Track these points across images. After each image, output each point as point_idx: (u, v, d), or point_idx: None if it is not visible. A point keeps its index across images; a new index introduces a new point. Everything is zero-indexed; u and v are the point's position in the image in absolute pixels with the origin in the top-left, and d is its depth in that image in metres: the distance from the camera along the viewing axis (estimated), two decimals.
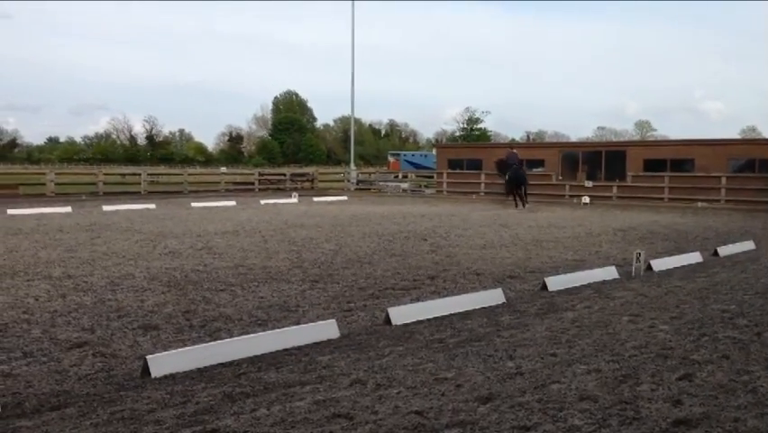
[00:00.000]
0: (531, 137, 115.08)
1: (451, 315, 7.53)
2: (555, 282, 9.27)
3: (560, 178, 32.00)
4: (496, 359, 5.74)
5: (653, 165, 29.77)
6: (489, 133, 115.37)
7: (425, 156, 67.79)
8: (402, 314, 7.27)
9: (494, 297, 8.31)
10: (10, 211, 20.41)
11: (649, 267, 10.82)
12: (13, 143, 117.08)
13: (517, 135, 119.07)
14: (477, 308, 7.88)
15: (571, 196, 30.17)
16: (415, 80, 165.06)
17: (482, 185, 33.30)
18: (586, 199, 28.54)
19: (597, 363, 5.66)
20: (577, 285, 9.39)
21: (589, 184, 30.34)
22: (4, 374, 5.34)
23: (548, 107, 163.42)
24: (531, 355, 5.86)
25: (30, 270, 10.16)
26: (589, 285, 9.46)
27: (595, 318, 7.36)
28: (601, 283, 9.63)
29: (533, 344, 6.25)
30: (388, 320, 7.13)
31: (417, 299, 8.32)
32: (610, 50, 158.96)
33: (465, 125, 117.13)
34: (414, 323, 7.15)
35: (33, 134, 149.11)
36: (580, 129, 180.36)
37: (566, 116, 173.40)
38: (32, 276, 9.63)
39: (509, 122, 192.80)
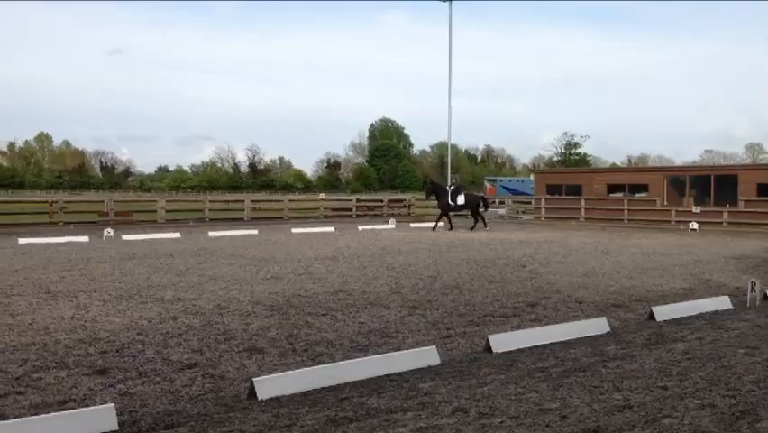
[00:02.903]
0: (633, 161, 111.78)
1: (553, 343, 7.37)
2: (663, 312, 8.91)
3: (665, 203, 30.84)
4: (602, 390, 5.57)
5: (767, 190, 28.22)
6: (589, 158, 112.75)
7: (522, 182, 66.95)
8: (503, 342, 7.17)
9: (598, 326, 8.07)
10: (125, 237, 21.55)
11: (765, 297, 10.23)
12: (127, 172, 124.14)
13: (618, 159, 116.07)
14: (580, 337, 7.67)
15: (677, 222, 28.98)
16: (511, 105, 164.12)
17: (582, 211, 32.52)
18: (694, 225, 27.33)
19: (711, 397, 5.39)
20: (687, 315, 8.99)
21: (696, 210, 29.06)
22: (121, 393, 5.62)
23: (650, 130, 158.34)
24: (639, 388, 5.64)
25: (143, 293, 10.67)
26: (700, 315, 9.04)
27: (708, 350, 7.02)
28: (713, 313, 9.18)
29: (641, 375, 6.02)
30: (488, 348, 7.05)
31: (518, 327, 8.19)
32: (714, 69, 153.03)
33: (563, 150, 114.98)
34: (515, 351, 7.04)
35: (145, 164, 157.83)
36: (685, 152, 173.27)
37: (670, 139, 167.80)
38: (146, 299, 10.12)
39: (610, 146, 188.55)
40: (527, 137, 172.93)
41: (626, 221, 30.52)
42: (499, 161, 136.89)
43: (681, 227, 27.83)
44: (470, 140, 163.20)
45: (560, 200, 34.51)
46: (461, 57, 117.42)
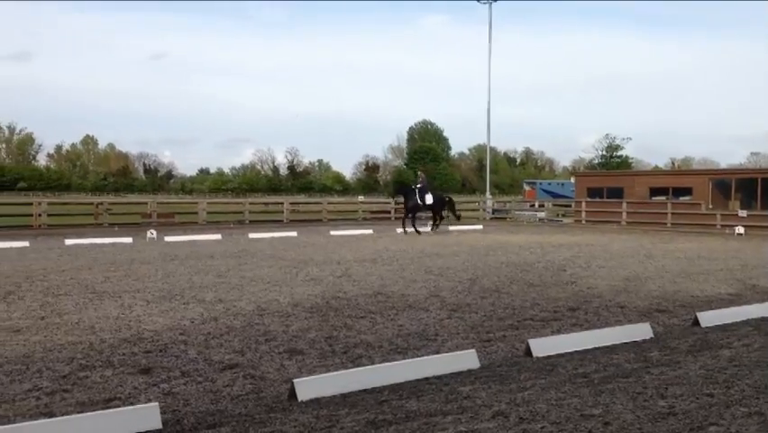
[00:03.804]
0: (676, 164, 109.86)
1: (594, 349, 7.27)
2: (708, 318, 8.73)
3: (710, 207, 30.22)
4: (646, 397, 5.47)
5: None
6: (631, 161, 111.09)
7: (562, 185, 66.23)
8: (543, 346, 7.10)
9: (641, 331, 7.94)
10: (167, 238, 21.90)
11: None
12: (169, 175, 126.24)
13: (661, 162, 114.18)
14: (622, 342, 7.56)
15: (722, 226, 28.35)
16: (550, 107, 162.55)
17: (624, 214, 32.04)
18: (740, 230, 26.71)
19: (759, 405, 5.25)
20: (733, 321, 8.78)
21: (743, 213, 28.40)
22: (165, 392, 5.71)
23: (694, 133, 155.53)
24: (684, 395, 5.53)
25: (185, 293, 10.83)
26: (746, 321, 8.82)
27: (755, 357, 6.85)
28: (760, 320, 8.96)
29: (686, 382, 5.91)
30: (528, 352, 6.99)
31: (558, 332, 8.11)
32: (759, 70, 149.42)
33: (604, 153, 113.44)
34: (555, 356, 6.96)
35: (186, 166, 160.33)
36: (730, 155, 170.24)
37: (714, 142, 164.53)
38: (188, 300, 10.26)
39: (652, 148, 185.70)
40: (567, 140, 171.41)
41: (669, 225, 29.99)
42: (539, 164, 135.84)
43: (727, 232, 27.23)
44: (509, 142, 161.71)
45: (601, 203, 34.07)
46: (500, 58, 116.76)
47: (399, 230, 25.69)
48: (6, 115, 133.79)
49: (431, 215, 26.83)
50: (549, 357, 6.90)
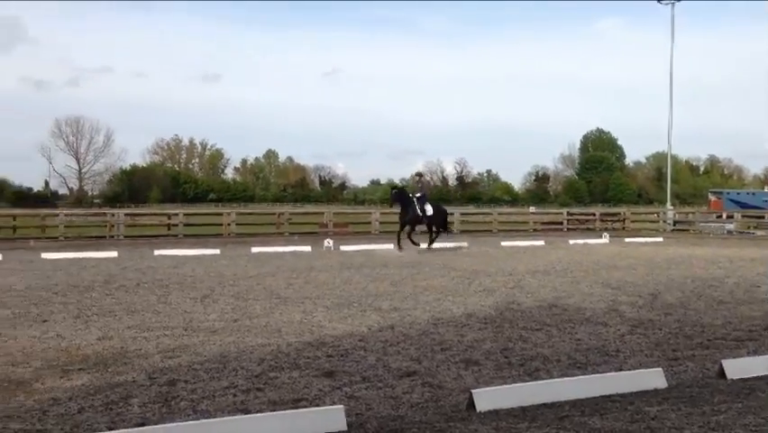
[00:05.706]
0: None
1: None
2: None
3: None
4: None
5: None
6: None
7: (754, 194, 61.07)
8: (739, 367, 6.60)
9: None
10: (342, 247, 22.76)
11: None
12: (342, 186, 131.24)
13: None
14: None
15: None
16: (738, 111, 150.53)
17: None
18: None
19: None
20: None
21: None
22: (347, 396, 5.95)
23: None
24: None
25: (362, 301, 11.20)
26: None
27: None
28: None
29: None
30: (722, 373, 6.53)
31: (755, 353, 7.50)
32: None
33: None
34: (753, 378, 6.45)
35: (358, 177, 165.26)
36: None
37: None
38: (365, 307, 10.60)
39: None
40: (757, 146, 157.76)
41: None
42: (725, 172, 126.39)
43: None
44: (690, 149, 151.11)
45: None
46: (680, 60, 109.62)
47: (403, 247, 21.63)
48: (200, 131, 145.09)
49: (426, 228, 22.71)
50: (745, 380, 6.41)
